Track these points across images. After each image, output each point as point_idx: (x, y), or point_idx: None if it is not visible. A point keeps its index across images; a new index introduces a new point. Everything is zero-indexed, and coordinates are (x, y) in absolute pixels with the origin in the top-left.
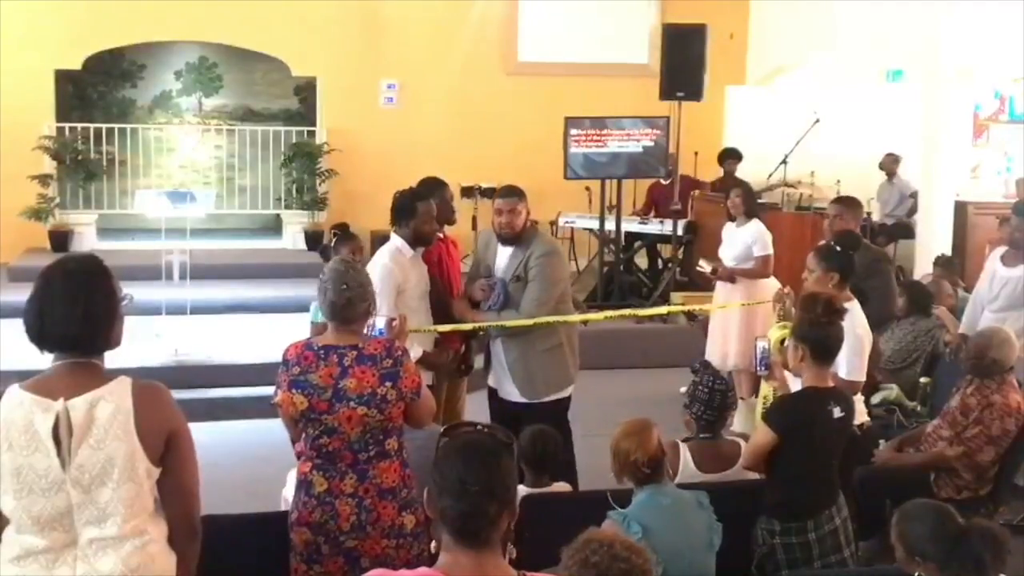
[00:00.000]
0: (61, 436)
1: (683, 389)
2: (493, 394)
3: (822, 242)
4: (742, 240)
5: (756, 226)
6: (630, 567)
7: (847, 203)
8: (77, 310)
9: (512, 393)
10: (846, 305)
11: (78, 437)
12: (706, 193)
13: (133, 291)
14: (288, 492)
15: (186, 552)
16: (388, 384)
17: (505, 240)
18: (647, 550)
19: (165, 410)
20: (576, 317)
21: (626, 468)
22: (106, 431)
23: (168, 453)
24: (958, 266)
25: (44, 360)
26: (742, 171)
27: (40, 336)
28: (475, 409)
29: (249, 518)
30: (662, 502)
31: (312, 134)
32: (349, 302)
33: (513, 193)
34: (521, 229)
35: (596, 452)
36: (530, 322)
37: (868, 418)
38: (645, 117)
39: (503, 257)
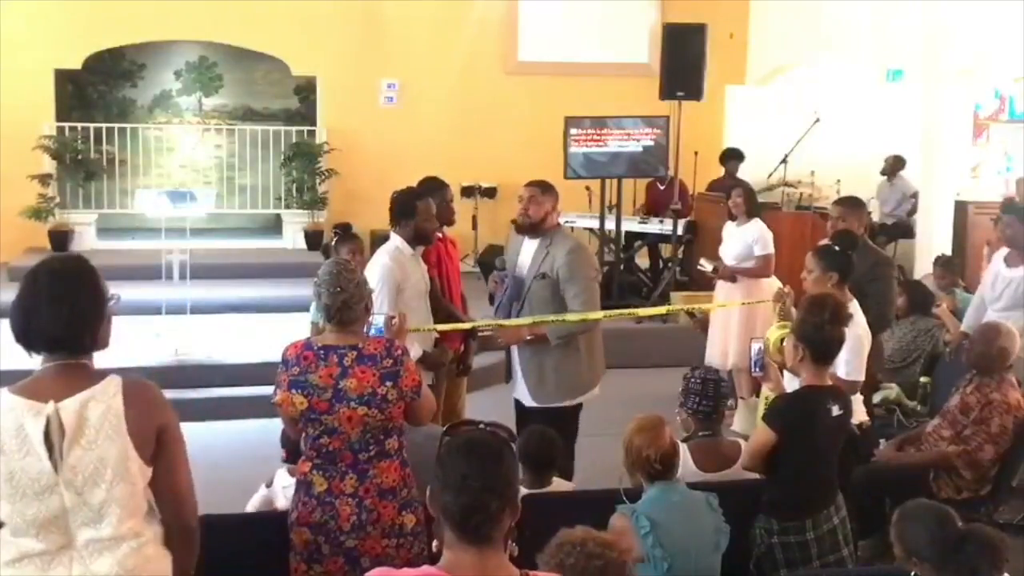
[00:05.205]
0: (53, 439)
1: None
2: (520, 409)
3: (821, 241)
4: (743, 239)
5: (757, 225)
6: (606, 562)
7: (849, 204)
8: (63, 310)
9: (523, 396)
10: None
11: (70, 438)
12: (707, 193)
13: (133, 291)
14: (276, 485)
15: (182, 553)
16: (388, 384)
17: (522, 229)
18: (633, 544)
19: (154, 407)
20: (575, 316)
21: (638, 464)
22: (97, 431)
23: (159, 450)
24: (958, 266)
25: (39, 361)
26: (742, 171)
27: (27, 337)
28: (475, 409)
29: (249, 518)
30: (671, 498)
31: (312, 134)
32: (345, 304)
33: (537, 184)
34: (540, 220)
35: (597, 451)
36: (542, 318)
37: (868, 417)
38: (645, 117)
39: (527, 252)
